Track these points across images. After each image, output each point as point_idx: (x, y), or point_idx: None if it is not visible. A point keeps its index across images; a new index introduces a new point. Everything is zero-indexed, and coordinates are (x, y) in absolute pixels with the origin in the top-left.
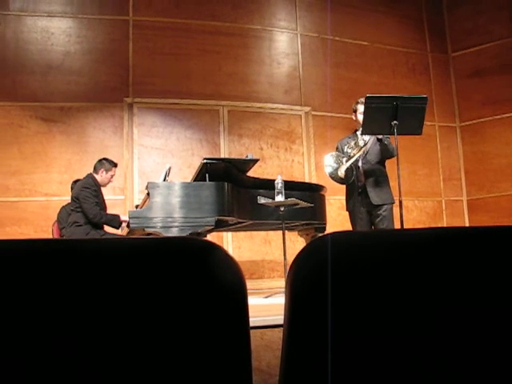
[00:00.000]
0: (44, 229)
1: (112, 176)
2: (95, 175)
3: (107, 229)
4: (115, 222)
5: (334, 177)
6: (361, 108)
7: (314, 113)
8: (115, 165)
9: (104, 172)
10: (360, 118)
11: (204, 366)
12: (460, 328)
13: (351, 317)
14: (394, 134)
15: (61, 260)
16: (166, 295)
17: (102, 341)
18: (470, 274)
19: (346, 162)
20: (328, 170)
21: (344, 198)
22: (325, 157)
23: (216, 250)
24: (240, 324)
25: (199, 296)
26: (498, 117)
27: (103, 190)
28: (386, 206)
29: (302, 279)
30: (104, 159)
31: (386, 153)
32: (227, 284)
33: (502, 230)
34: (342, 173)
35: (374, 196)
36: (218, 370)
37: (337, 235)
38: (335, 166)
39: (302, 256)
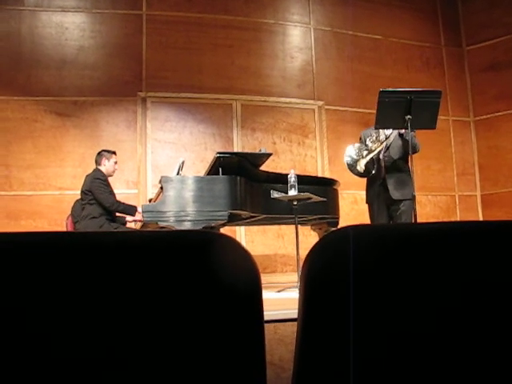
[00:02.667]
0: (58, 222)
1: (115, 163)
2: (100, 167)
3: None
4: (132, 210)
5: (352, 169)
6: None
7: (327, 107)
8: (113, 152)
9: (106, 160)
10: None
11: (219, 358)
12: (478, 321)
13: (366, 311)
14: (407, 129)
15: (70, 252)
16: (180, 288)
17: (117, 333)
18: (489, 268)
19: (366, 155)
20: (347, 159)
21: (357, 192)
22: (347, 147)
23: (230, 243)
24: (255, 317)
25: (213, 289)
26: None
27: (116, 183)
28: (405, 201)
29: (317, 273)
30: (101, 151)
31: (407, 148)
32: (242, 277)
33: None
34: (361, 167)
35: (394, 191)
36: (233, 362)
37: (358, 228)
38: (355, 158)
39: (316, 250)
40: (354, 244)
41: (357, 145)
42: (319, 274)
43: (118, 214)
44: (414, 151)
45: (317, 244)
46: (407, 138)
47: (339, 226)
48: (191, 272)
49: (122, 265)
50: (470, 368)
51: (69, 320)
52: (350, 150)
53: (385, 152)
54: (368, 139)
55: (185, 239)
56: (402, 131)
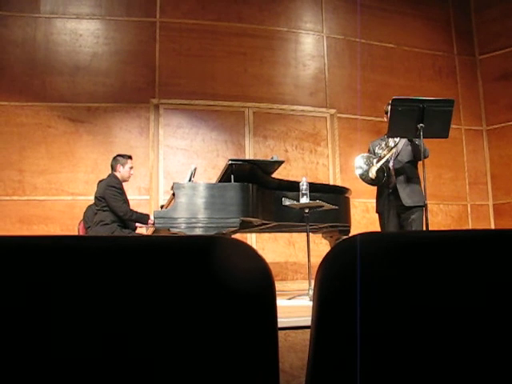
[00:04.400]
0: (70, 228)
1: (131, 168)
2: (115, 173)
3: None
4: (144, 219)
5: (365, 178)
6: None
7: (339, 115)
8: (129, 157)
9: (121, 167)
10: None
11: (231, 365)
12: (488, 329)
13: (380, 319)
14: (420, 137)
15: (76, 256)
16: (192, 293)
17: (126, 337)
18: (500, 276)
19: (377, 163)
20: (358, 171)
21: (369, 200)
22: (356, 158)
23: (244, 248)
24: (268, 324)
25: (226, 293)
26: None
27: (128, 189)
28: (416, 209)
29: (330, 281)
30: (117, 155)
31: (417, 153)
32: (255, 282)
33: None
34: (373, 174)
35: (405, 197)
36: (246, 369)
37: (364, 236)
38: (366, 167)
39: (329, 258)
40: (360, 253)
41: (365, 154)
42: (331, 283)
43: None
44: (424, 156)
45: (329, 252)
46: (416, 142)
47: (354, 234)
48: (203, 277)
49: (133, 269)
50: (479, 377)
51: (78, 323)
52: (359, 161)
53: (394, 159)
54: (377, 148)
55: (196, 244)
56: None
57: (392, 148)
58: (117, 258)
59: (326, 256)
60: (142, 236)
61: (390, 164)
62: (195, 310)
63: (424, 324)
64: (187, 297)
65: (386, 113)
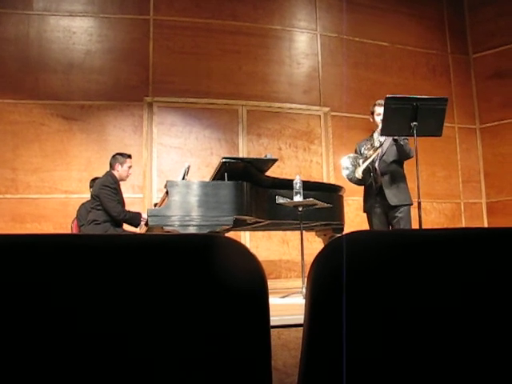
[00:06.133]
0: (63, 226)
1: (129, 167)
2: (113, 172)
3: (126, 227)
4: (137, 219)
5: (352, 178)
6: (378, 110)
7: (332, 113)
8: (129, 156)
9: (119, 166)
10: (377, 119)
11: (224, 362)
12: (477, 329)
13: (371, 318)
14: (413, 136)
15: (72, 255)
16: (185, 291)
17: (120, 335)
18: (490, 275)
19: (363, 163)
20: (345, 172)
21: (362, 198)
22: (342, 159)
23: (236, 246)
24: (261, 322)
25: (219, 292)
26: None
27: (122, 187)
28: (402, 208)
29: (323, 279)
30: (116, 154)
31: (402, 153)
32: (248, 280)
33: None
34: (359, 174)
35: (391, 196)
36: (239, 367)
37: (355, 235)
38: (352, 167)
39: (321, 256)
40: (352, 251)
41: (351, 155)
42: (323, 281)
43: None
44: (409, 156)
45: (321, 251)
46: (401, 143)
47: (344, 233)
48: (196, 275)
49: (127, 268)
50: (472, 373)
51: (73, 322)
52: (345, 161)
53: (380, 160)
54: (363, 148)
55: (190, 242)
56: (396, 137)
57: (377, 148)
58: (112, 256)
59: (318, 255)
60: (136, 234)
61: (376, 164)
62: (189, 308)
63: (414, 323)
64: (181, 295)
65: (372, 113)
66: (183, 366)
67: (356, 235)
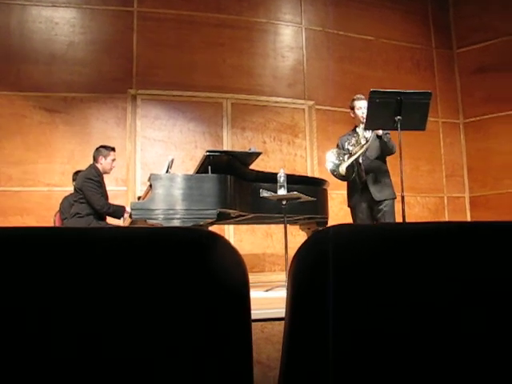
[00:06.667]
0: (46, 219)
1: (113, 160)
2: (96, 165)
3: (109, 220)
4: (120, 212)
5: (336, 174)
6: (358, 104)
7: (317, 107)
8: (112, 149)
9: (103, 159)
10: (358, 113)
11: (205, 356)
12: (461, 322)
13: (352, 310)
14: (397, 130)
15: (58, 248)
16: (167, 285)
17: (103, 327)
18: (470, 269)
19: (348, 159)
20: (330, 166)
21: (346, 192)
22: (327, 153)
23: (219, 241)
24: (242, 315)
25: (200, 286)
26: (502, 114)
27: (105, 180)
28: (387, 202)
29: (304, 272)
30: (100, 146)
31: (385, 150)
32: (229, 275)
33: (503, 225)
34: (343, 170)
35: (376, 191)
36: (220, 359)
37: (338, 228)
38: (337, 162)
39: (303, 249)
40: (334, 244)
41: (335, 150)
42: (304, 274)
43: None
44: (391, 152)
45: (303, 244)
46: (385, 139)
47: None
48: (178, 269)
49: (109, 261)
50: (451, 368)
51: (55, 316)
52: (331, 156)
53: (363, 155)
54: (347, 143)
55: (172, 236)
56: (380, 132)
57: (364, 145)
58: (94, 249)
59: (299, 248)
60: (119, 227)
61: (360, 160)
62: (171, 301)
63: (397, 316)
64: (163, 288)
65: (352, 108)
66: (165, 358)
67: (337, 228)
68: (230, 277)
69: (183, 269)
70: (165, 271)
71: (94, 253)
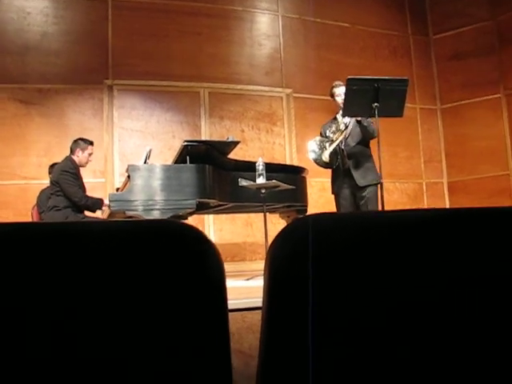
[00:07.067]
0: (23, 212)
1: (90, 154)
2: (73, 157)
3: (87, 213)
4: (98, 205)
5: (319, 162)
6: (337, 91)
7: (295, 95)
8: (91, 143)
9: (80, 152)
10: (338, 100)
11: (181, 346)
12: (443, 311)
13: (332, 298)
14: (375, 116)
15: (40, 243)
16: (139, 277)
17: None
18: (451, 256)
19: (329, 146)
20: (312, 155)
21: (326, 179)
22: (308, 143)
23: (193, 232)
24: (218, 306)
25: (174, 277)
26: (478, 99)
27: (83, 172)
28: (369, 188)
29: (279, 262)
30: (79, 139)
31: (366, 134)
32: (204, 265)
33: (483, 211)
34: (326, 157)
35: (359, 177)
36: (196, 350)
37: (318, 216)
38: (318, 151)
39: (281, 237)
40: (314, 233)
41: (318, 138)
42: (281, 263)
43: None
44: (372, 137)
45: (280, 233)
46: (365, 123)
47: (307, 214)
48: (151, 261)
49: (80, 255)
50: (431, 361)
51: (34, 308)
52: (312, 145)
53: (345, 142)
54: (328, 131)
55: (144, 228)
56: (359, 118)
57: (343, 131)
58: (66, 243)
59: (276, 236)
60: (91, 221)
61: (342, 146)
62: (144, 294)
63: (377, 304)
64: (135, 281)
65: (332, 95)
66: (137, 348)
67: (317, 217)
68: (204, 267)
69: (156, 261)
70: (137, 264)
71: (65, 247)
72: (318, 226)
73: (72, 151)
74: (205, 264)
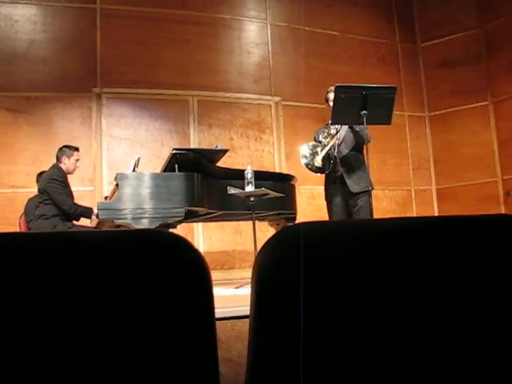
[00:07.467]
0: (11, 221)
1: (76, 160)
2: (60, 165)
3: (75, 221)
4: (88, 213)
5: (311, 167)
6: (331, 96)
7: (283, 103)
8: (76, 149)
9: (66, 159)
10: (331, 105)
11: (168, 354)
12: (433, 317)
13: (323, 306)
14: (363, 124)
15: (28, 253)
16: (127, 288)
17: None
18: (439, 263)
19: (321, 151)
20: (304, 160)
21: (315, 187)
22: (300, 147)
23: (180, 242)
24: (204, 315)
25: (162, 287)
26: (466, 107)
27: (71, 180)
28: (362, 195)
29: (271, 267)
30: (63, 146)
31: (359, 139)
32: (190, 275)
33: (471, 219)
34: (318, 162)
35: (352, 184)
36: (182, 358)
37: (308, 224)
38: (311, 156)
39: (270, 244)
40: (305, 241)
41: (311, 143)
42: (271, 270)
43: None
44: (366, 142)
45: (268, 241)
46: (357, 129)
47: (297, 222)
48: (137, 271)
49: (67, 265)
50: (419, 367)
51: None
52: (304, 150)
53: (339, 147)
54: (320, 135)
55: (131, 238)
56: None
57: (334, 135)
58: (53, 253)
59: (264, 244)
60: (79, 232)
61: (335, 152)
62: (131, 304)
63: (368, 313)
64: (122, 291)
65: (327, 100)
66: (126, 360)
67: (308, 225)
68: (191, 276)
69: (142, 270)
70: (124, 273)
71: (53, 257)
72: (309, 234)
73: (58, 159)
74: (192, 273)
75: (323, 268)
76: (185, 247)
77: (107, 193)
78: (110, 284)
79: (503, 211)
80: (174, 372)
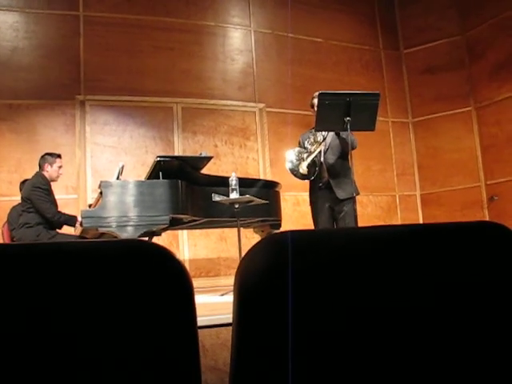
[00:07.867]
0: None
1: (59, 167)
2: (43, 172)
3: (59, 229)
4: (72, 221)
5: (296, 173)
6: (316, 102)
7: (268, 109)
8: (58, 155)
9: (49, 166)
10: None
11: (150, 362)
12: (416, 323)
13: (308, 313)
14: (347, 130)
15: (7, 264)
16: (108, 298)
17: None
18: (424, 270)
19: (307, 157)
20: (289, 165)
21: (299, 193)
22: (286, 152)
23: (161, 251)
24: (186, 323)
25: (143, 296)
26: (450, 112)
27: (55, 188)
28: (348, 202)
29: (256, 274)
30: (45, 154)
31: (345, 145)
32: (172, 285)
33: (456, 226)
34: (303, 169)
35: (339, 190)
36: (164, 367)
37: (293, 232)
38: (296, 162)
39: (255, 252)
40: (293, 247)
41: (297, 149)
42: (256, 277)
43: None
44: (353, 147)
45: (253, 248)
46: (343, 136)
47: (281, 228)
48: (118, 281)
49: (53, 275)
50: (405, 374)
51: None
52: (290, 155)
53: (325, 153)
54: (306, 142)
55: (111, 249)
56: None
57: (321, 143)
58: (34, 264)
59: (247, 253)
60: (61, 242)
61: (322, 159)
62: (113, 314)
63: (356, 320)
64: (104, 301)
65: (312, 106)
66: (106, 369)
67: (294, 233)
68: (172, 285)
69: (124, 280)
70: (105, 283)
71: (34, 268)
72: (296, 241)
73: (41, 167)
74: (172, 282)
75: (310, 276)
76: (165, 256)
77: (91, 201)
78: (91, 294)
79: (487, 216)
80: (156, 381)
